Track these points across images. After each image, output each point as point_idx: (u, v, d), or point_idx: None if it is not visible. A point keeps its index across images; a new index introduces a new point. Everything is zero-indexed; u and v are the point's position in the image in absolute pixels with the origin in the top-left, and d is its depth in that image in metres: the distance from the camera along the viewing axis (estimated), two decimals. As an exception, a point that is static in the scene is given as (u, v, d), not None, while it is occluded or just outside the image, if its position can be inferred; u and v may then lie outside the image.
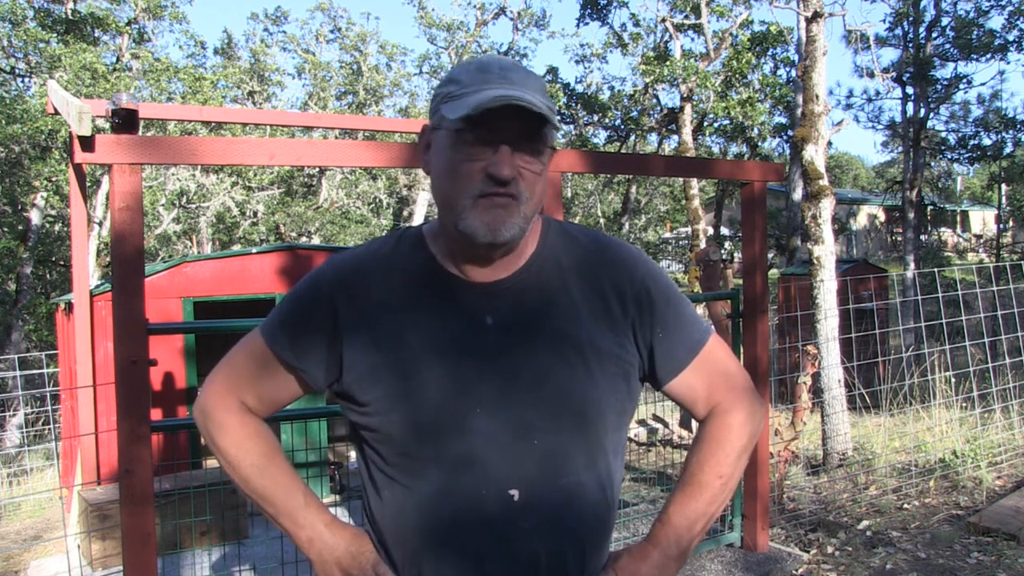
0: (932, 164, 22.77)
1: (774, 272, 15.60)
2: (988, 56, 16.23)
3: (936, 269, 6.60)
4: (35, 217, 14.09)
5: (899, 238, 23.53)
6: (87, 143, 2.47)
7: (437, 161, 1.15)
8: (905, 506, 4.79)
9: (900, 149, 20.09)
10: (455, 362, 1.14)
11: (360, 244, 1.28)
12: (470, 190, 1.09)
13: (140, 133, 3.89)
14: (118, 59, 15.50)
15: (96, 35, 14.94)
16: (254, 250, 5.69)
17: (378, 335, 1.16)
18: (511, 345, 1.16)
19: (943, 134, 19.08)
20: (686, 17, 16.98)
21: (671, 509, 1.27)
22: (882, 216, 31.39)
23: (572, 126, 20.06)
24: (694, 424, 1.39)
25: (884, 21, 17.32)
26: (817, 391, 5.70)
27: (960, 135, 18.45)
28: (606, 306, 1.21)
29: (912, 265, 15.87)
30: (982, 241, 27.93)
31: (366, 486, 1.24)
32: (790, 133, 17.81)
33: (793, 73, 16.54)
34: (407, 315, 1.17)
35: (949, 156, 19.61)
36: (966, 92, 21.54)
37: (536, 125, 1.09)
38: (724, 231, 26.37)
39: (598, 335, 1.19)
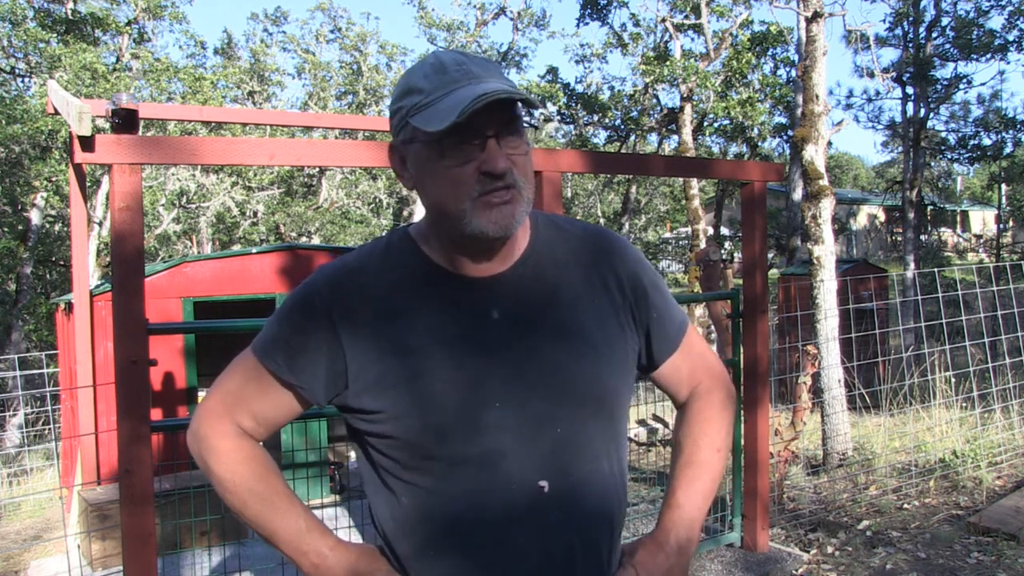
0: (932, 164, 22.77)
1: (774, 272, 15.60)
2: (988, 56, 16.23)
3: (936, 269, 6.60)
4: (35, 217, 14.09)
5: (899, 238, 23.53)
6: (87, 143, 2.47)
7: (423, 173, 1.12)
8: (905, 506, 4.79)
9: (900, 149, 20.09)
10: (466, 359, 1.13)
11: (347, 252, 1.26)
12: (468, 192, 1.08)
13: (140, 133, 3.89)
14: (118, 59, 15.50)
15: (96, 35, 14.93)
16: (254, 250, 5.69)
17: (382, 341, 1.14)
18: (520, 337, 1.15)
19: (943, 134, 19.09)
20: (686, 17, 16.98)
21: (678, 493, 1.28)
22: (882, 216, 31.39)
23: (572, 126, 20.07)
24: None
25: (884, 21, 17.33)
26: (817, 391, 5.69)
27: (960, 135, 18.46)
28: (606, 294, 1.22)
29: (912, 265, 15.87)
30: (982, 241, 27.93)
31: (377, 495, 1.20)
32: (790, 133, 17.81)
33: (793, 73, 16.54)
34: (409, 317, 1.15)
35: (949, 156, 19.61)
36: (966, 92, 21.54)
37: (511, 109, 1.09)
38: (724, 231, 26.36)
39: (602, 322, 1.20)
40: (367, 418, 1.15)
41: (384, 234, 1.29)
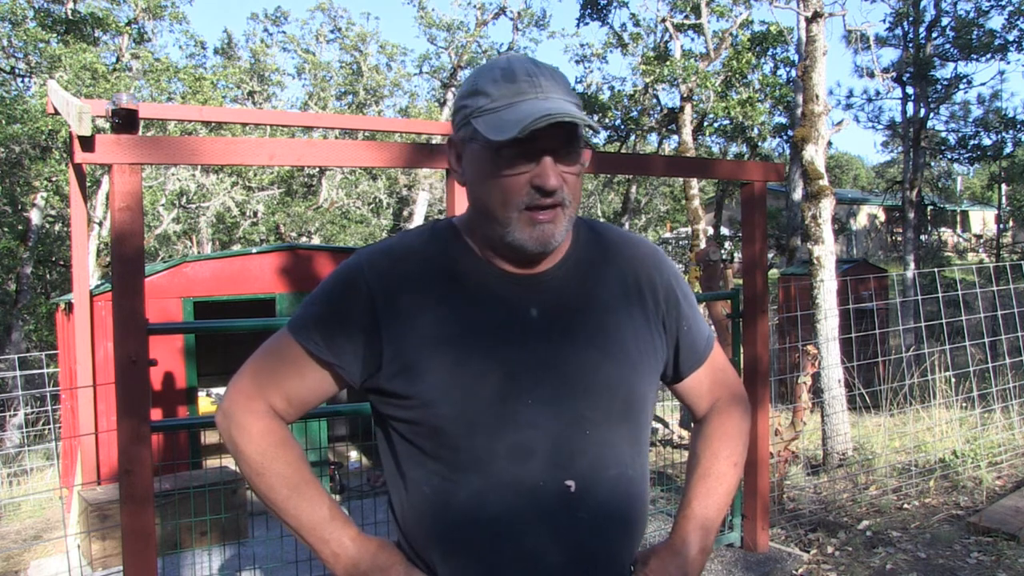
0: (932, 164, 22.77)
1: (774, 272, 15.59)
2: (988, 56, 16.24)
3: (936, 269, 6.60)
4: (35, 217, 14.09)
5: (899, 238, 23.52)
6: (87, 143, 2.47)
7: (476, 174, 1.14)
8: (905, 506, 4.79)
9: (900, 149, 20.10)
10: (502, 353, 1.14)
11: (390, 237, 1.25)
12: (516, 203, 1.10)
13: (140, 133, 3.89)
14: (118, 59, 15.50)
15: (96, 35, 14.92)
16: (254, 250, 5.69)
17: (420, 327, 1.14)
18: (557, 337, 1.16)
19: (943, 134, 19.10)
20: (686, 17, 16.96)
21: (694, 504, 1.29)
22: (882, 216, 31.38)
23: (572, 126, 20.01)
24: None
25: (884, 21, 17.35)
26: (817, 391, 5.69)
27: (960, 135, 18.47)
28: (641, 301, 1.24)
29: (912, 265, 15.88)
30: (982, 241, 27.93)
31: (398, 483, 1.20)
32: (790, 133, 17.81)
33: (793, 73, 16.54)
34: (448, 306, 1.15)
35: (949, 156, 19.62)
36: (966, 92, 21.56)
37: (574, 130, 1.10)
38: (724, 231, 26.36)
39: (636, 329, 1.22)
40: (397, 403, 1.16)
41: (428, 222, 1.29)
